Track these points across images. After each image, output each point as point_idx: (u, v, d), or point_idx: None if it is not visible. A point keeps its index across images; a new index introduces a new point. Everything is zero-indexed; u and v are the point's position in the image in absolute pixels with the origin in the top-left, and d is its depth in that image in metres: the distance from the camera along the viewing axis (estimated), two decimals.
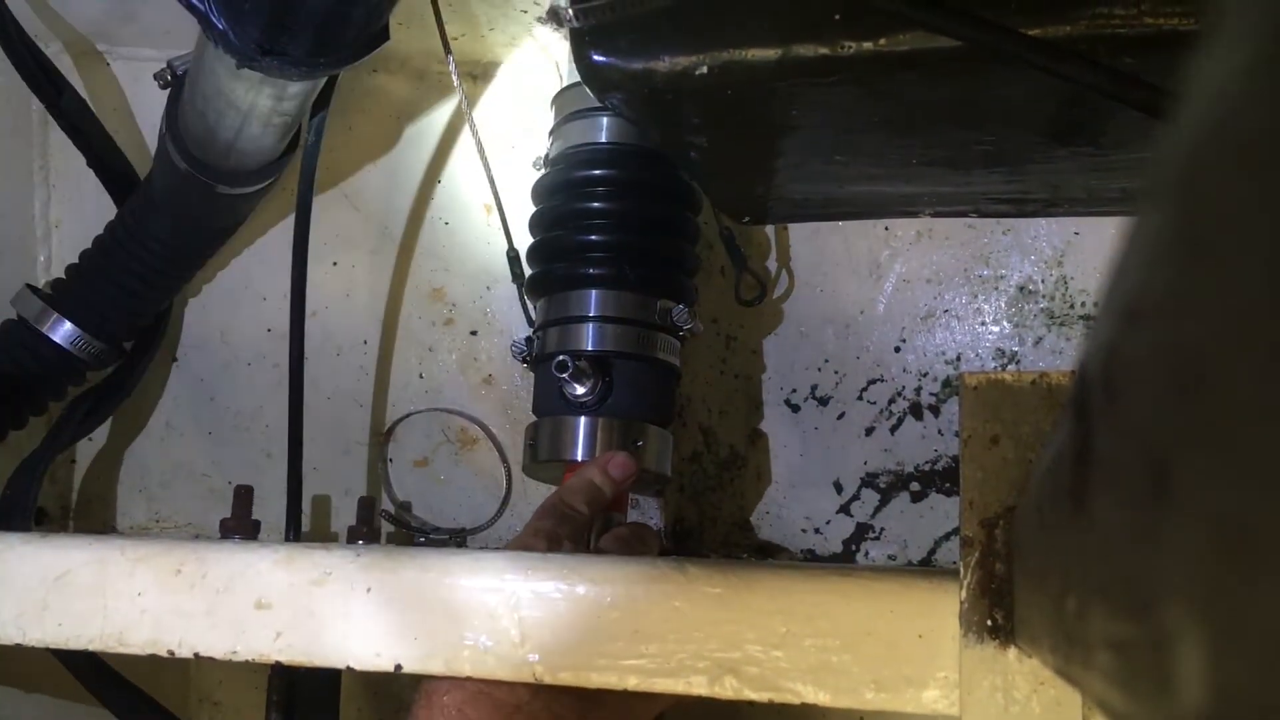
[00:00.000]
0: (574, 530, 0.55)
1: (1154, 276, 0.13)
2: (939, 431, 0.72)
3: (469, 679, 0.46)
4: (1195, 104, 0.12)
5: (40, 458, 0.72)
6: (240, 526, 0.70)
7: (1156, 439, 0.12)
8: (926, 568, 0.68)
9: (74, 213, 0.80)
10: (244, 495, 0.71)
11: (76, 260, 0.73)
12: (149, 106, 0.79)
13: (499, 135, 0.77)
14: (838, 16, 0.46)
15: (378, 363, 0.79)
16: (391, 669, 0.38)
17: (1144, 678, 0.13)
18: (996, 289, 0.71)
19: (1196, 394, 0.11)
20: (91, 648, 0.41)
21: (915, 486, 0.72)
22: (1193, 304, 0.11)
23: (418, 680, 0.46)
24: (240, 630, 0.40)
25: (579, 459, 0.60)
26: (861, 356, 0.73)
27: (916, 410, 0.72)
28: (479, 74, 0.77)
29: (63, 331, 0.70)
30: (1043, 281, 0.71)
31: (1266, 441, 0.09)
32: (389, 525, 0.77)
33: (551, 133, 0.66)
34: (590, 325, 0.61)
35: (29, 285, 0.72)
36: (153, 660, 0.40)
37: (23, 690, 0.72)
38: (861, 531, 0.72)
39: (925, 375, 0.72)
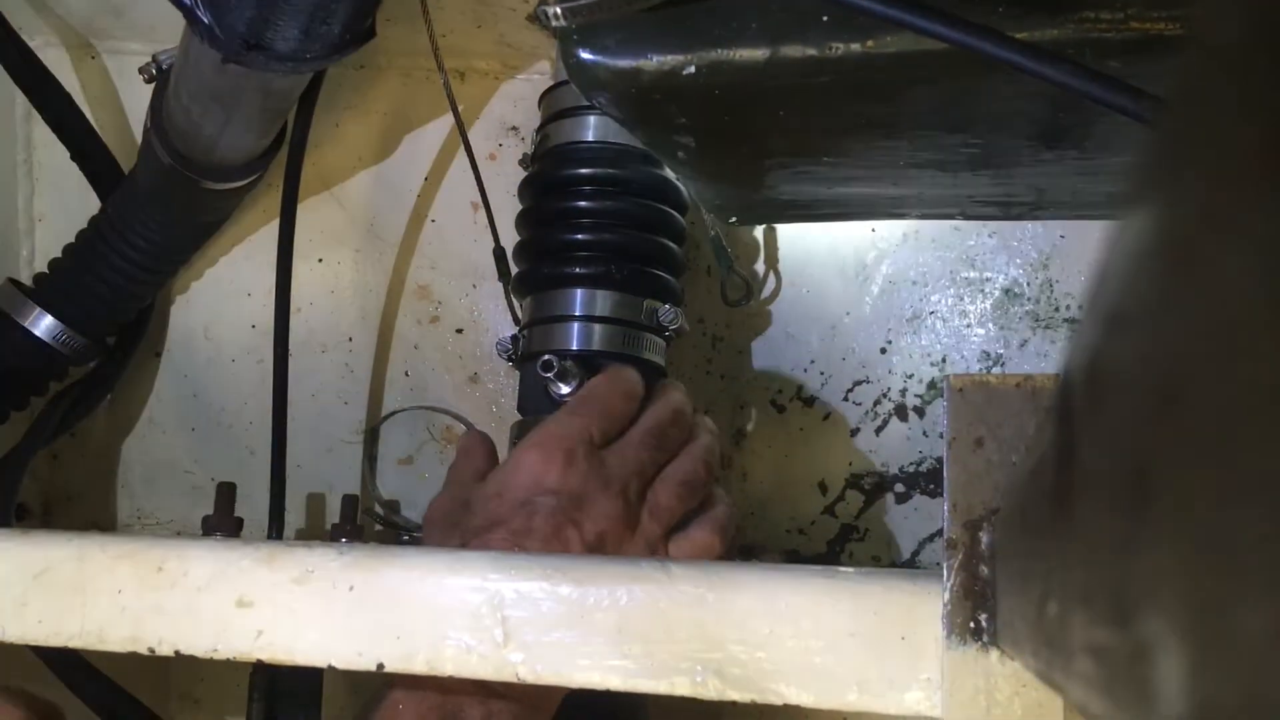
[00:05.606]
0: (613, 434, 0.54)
1: (1137, 283, 0.13)
2: (924, 433, 0.72)
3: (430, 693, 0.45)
4: (1180, 108, 0.12)
5: (21, 453, 0.71)
6: (222, 524, 0.70)
7: (1139, 447, 0.12)
8: (910, 569, 0.69)
9: (57, 207, 0.79)
10: (226, 493, 0.71)
11: (59, 255, 0.72)
12: (136, 101, 0.78)
13: (486, 132, 0.77)
14: (825, 18, 0.46)
15: (363, 360, 0.79)
16: (374, 668, 0.38)
17: (1124, 686, 0.13)
18: (982, 291, 0.71)
19: (1179, 403, 0.11)
20: (71, 645, 0.40)
21: (900, 488, 0.72)
22: (1176, 312, 0.11)
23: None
24: (221, 628, 0.39)
25: None
26: (847, 358, 0.73)
27: (902, 412, 0.72)
28: (466, 71, 0.77)
29: (45, 326, 0.70)
30: (1028, 284, 0.71)
31: (1248, 452, 0.09)
32: (373, 524, 0.77)
33: (538, 130, 0.66)
34: (576, 324, 0.61)
35: (11, 279, 0.72)
36: (133, 658, 0.40)
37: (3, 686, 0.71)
38: (846, 532, 0.72)
39: (911, 377, 0.72)
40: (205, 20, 0.49)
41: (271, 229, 0.71)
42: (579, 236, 0.62)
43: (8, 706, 0.46)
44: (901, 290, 0.72)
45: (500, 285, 0.68)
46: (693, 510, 0.57)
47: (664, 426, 0.56)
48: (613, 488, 0.52)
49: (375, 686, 0.47)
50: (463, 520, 0.53)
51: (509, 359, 0.65)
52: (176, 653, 0.39)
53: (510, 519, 0.50)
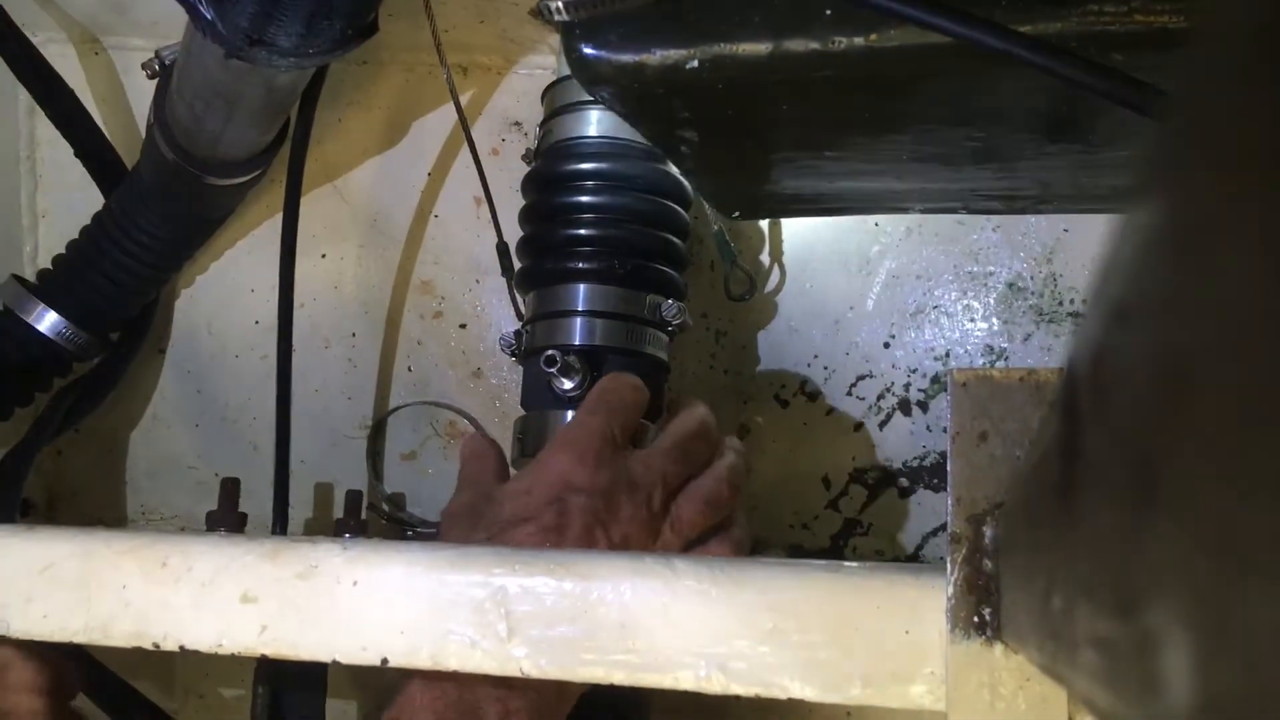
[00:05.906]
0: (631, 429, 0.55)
1: (1142, 276, 0.13)
2: (927, 428, 0.72)
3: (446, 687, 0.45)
4: (1185, 100, 0.12)
5: (26, 449, 0.71)
6: (226, 519, 0.70)
7: (1144, 439, 0.12)
8: (914, 564, 0.69)
9: (61, 203, 0.79)
10: (230, 488, 0.71)
11: (63, 251, 0.72)
12: (140, 97, 0.78)
13: (489, 128, 0.77)
14: (829, 12, 0.46)
15: (366, 355, 0.79)
16: (378, 663, 0.38)
17: (1129, 678, 0.13)
18: (986, 285, 0.71)
19: (1184, 395, 0.11)
20: (76, 640, 0.41)
21: (903, 482, 0.72)
22: (1181, 304, 0.11)
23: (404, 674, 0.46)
24: (226, 623, 0.39)
25: None
26: (851, 352, 0.73)
27: (905, 406, 0.72)
28: (469, 66, 0.77)
29: (49, 322, 0.70)
30: (1032, 278, 0.71)
31: (1253, 443, 0.09)
32: (378, 519, 0.77)
33: (541, 126, 0.65)
34: (579, 320, 0.61)
35: (15, 276, 0.72)
36: (138, 653, 0.40)
37: None
38: (849, 527, 0.72)
39: (914, 371, 0.72)
40: (208, 16, 0.49)
41: (274, 224, 0.71)
42: (582, 232, 0.62)
43: (21, 661, 0.46)
44: (905, 284, 0.72)
45: (503, 280, 0.68)
46: (712, 527, 0.57)
47: (689, 439, 0.57)
48: (638, 495, 0.52)
49: (387, 679, 0.47)
50: (486, 513, 0.53)
51: (512, 354, 0.65)
52: (181, 648, 0.39)
53: (540, 515, 0.50)
